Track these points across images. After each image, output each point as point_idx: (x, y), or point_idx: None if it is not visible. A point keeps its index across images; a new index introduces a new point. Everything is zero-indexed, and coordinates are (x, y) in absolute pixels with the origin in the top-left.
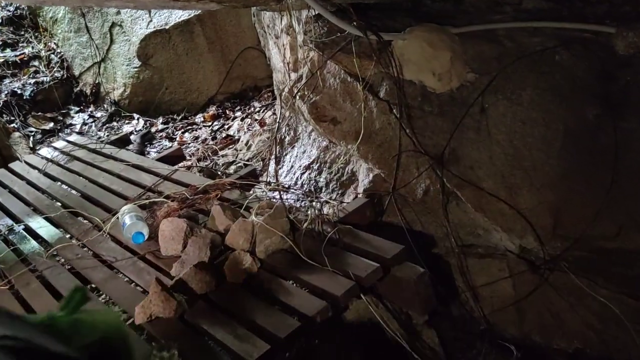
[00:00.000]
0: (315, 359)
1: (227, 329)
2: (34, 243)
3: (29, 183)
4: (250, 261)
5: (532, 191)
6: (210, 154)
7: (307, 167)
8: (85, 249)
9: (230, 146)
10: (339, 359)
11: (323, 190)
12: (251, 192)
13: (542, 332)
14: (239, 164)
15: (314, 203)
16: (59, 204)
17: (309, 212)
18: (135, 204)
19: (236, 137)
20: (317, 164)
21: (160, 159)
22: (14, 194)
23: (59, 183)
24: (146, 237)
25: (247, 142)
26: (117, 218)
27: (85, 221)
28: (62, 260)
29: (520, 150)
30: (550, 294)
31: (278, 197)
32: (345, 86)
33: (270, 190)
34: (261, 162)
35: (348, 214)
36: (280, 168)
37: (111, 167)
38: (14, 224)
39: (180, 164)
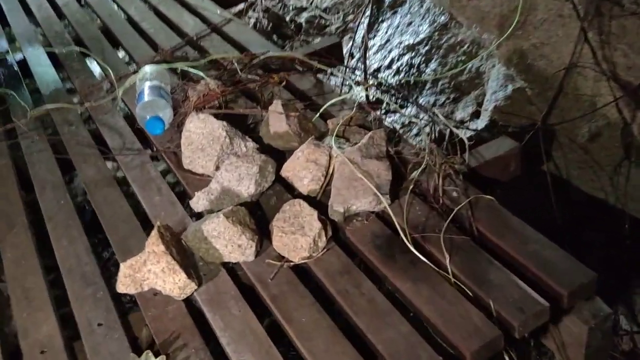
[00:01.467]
0: None
1: (248, 340)
2: (22, 89)
3: None
4: (318, 229)
5: None
6: None
7: (411, 48)
8: (85, 118)
9: None
10: None
11: (426, 88)
12: (331, 82)
13: None
14: (313, 13)
15: (430, 129)
16: (72, 34)
17: (424, 152)
18: (164, 64)
19: None
20: (426, 47)
21: None
22: (22, 3)
23: (79, 5)
24: (167, 126)
25: None
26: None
27: (96, 68)
28: (49, 129)
29: None
30: None
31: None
32: None
33: (360, 86)
34: (341, 18)
35: (483, 163)
36: (371, 38)
37: None
38: (9, 51)
39: (237, 7)
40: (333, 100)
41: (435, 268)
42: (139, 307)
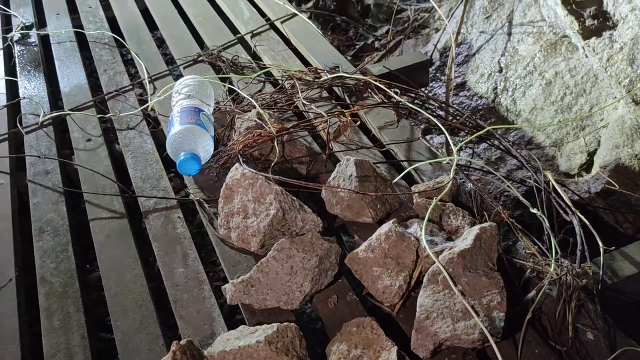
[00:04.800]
0: None
1: None
2: (39, 79)
3: None
4: None
5: None
6: None
7: (506, 65)
8: (106, 131)
9: None
10: None
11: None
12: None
13: None
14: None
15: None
16: (106, 11)
17: (551, 264)
18: (207, 77)
19: None
20: (527, 67)
21: None
22: None
23: None
24: (204, 162)
25: None
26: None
27: (127, 65)
28: (62, 140)
29: None
30: None
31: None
32: None
33: (449, 124)
34: (414, 2)
35: (621, 281)
36: (462, 47)
37: None
38: (34, 24)
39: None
40: (421, 163)
41: None
42: None
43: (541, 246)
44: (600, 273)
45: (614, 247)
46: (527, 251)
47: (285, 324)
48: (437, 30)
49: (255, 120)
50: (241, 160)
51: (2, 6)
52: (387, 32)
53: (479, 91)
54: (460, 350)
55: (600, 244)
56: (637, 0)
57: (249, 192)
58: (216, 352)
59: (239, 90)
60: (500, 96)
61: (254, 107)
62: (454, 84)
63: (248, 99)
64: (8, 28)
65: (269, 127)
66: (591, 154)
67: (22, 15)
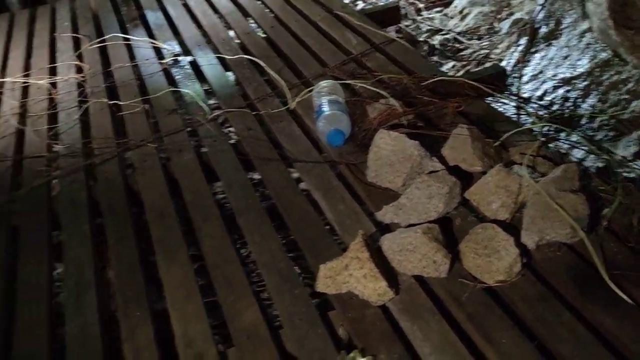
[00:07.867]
0: None
1: (449, 353)
2: (197, 88)
3: (208, 1)
4: (515, 254)
5: None
6: (414, 11)
7: (566, 81)
8: (260, 124)
9: (439, 8)
10: None
11: (582, 123)
12: (502, 110)
13: None
14: (447, 36)
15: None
16: (237, 42)
17: (617, 191)
18: (337, 80)
19: None
20: (584, 82)
21: (370, 14)
22: (188, 11)
23: (243, 15)
24: (346, 137)
25: (462, 10)
26: (311, 93)
27: (264, 79)
28: (228, 131)
29: None
30: None
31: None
32: None
33: (533, 117)
34: (476, 41)
35: None
36: (527, 69)
37: (309, 11)
38: (181, 53)
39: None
40: (516, 130)
41: (637, 306)
42: (335, 307)
43: (610, 182)
44: None
45: None
46: (599, 187)
47: (432, 224)
48: (500, 60)
49: (383, 106)
50: (384, 129)
51: (153, 40)
52: (452, 66)
53: (545, 103)
54: (555, 244)
55: None
56: None
57: (394, 147)
58: (384, 242)
59: (367, 86)
60: (564, 106)
61: (383, 97)
62: (522, 99)
63: (380, 91)
64: (160, 57)
65: (399, 108)
66: None
67: (170, 46)
